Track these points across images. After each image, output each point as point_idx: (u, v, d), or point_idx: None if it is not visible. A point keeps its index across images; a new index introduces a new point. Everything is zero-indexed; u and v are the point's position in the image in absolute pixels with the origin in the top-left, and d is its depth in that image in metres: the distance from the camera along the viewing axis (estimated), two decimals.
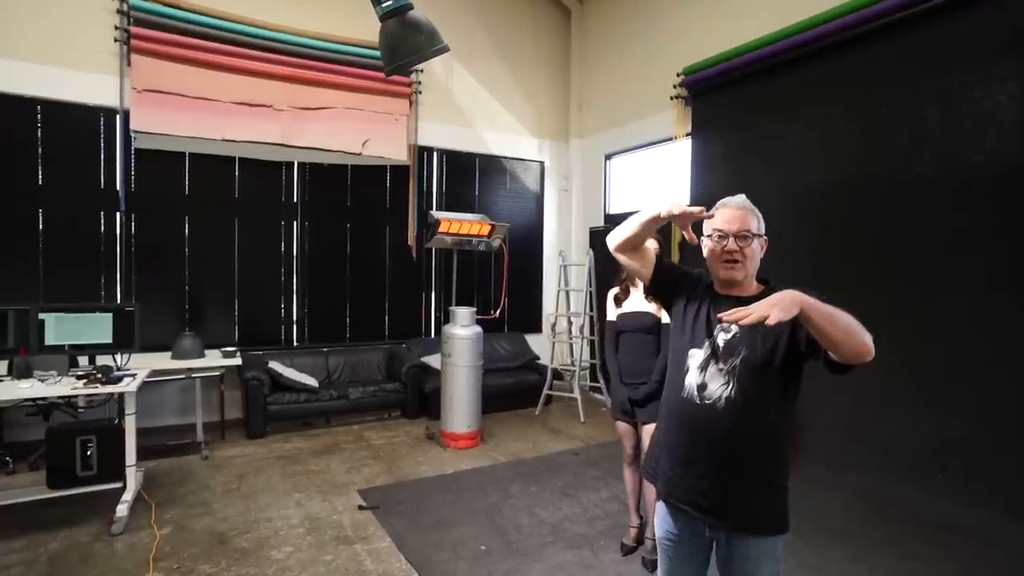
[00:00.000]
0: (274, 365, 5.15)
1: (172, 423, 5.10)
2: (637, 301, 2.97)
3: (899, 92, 3.84)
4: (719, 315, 1.35)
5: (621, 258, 1.76)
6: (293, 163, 5.75)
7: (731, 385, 1.54)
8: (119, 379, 3.21)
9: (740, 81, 4.89)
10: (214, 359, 4.81)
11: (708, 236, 1.64)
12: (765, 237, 1.63)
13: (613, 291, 3.08)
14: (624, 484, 3.20)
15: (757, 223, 1.62)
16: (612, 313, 3.06)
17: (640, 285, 2.97)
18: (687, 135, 5.51)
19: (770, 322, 1.25)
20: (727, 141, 5.07)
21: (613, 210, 6.82)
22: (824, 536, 3.22)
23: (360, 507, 3.56)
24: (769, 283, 1.68)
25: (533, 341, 6.81)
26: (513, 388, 6.04)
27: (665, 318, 2.89)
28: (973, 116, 3.51)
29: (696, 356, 1.63)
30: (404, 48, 1.98)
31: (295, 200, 5.80)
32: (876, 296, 3.92)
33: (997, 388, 3.39)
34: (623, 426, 3.04)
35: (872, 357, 1.35)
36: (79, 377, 3.25)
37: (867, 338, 1.35)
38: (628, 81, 6.41)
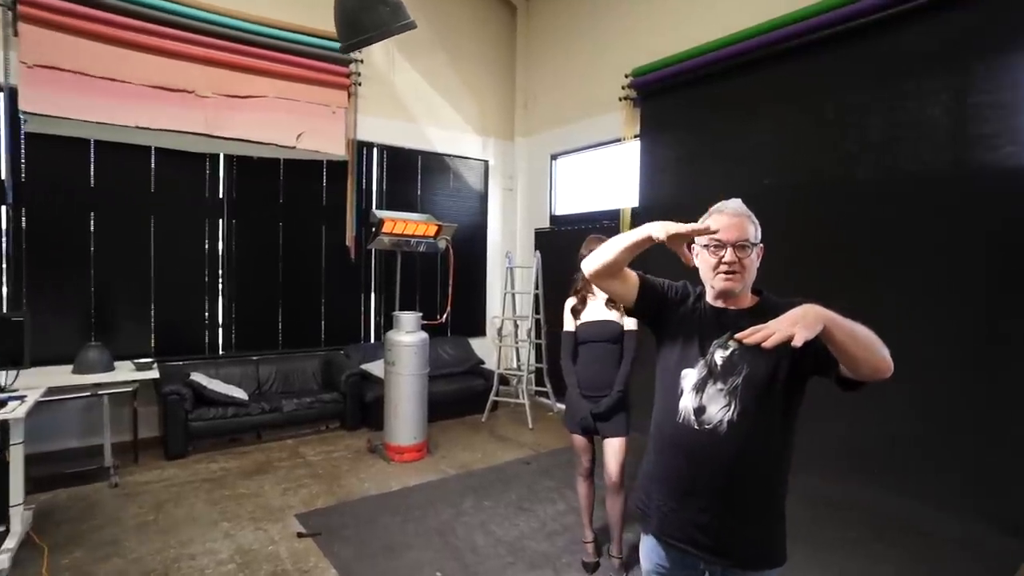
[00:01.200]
0: (197, 377, 4.66)
1: (74, 446, 4.51)
2: (597, 310, 2.84)
3: (846, 99, 3.93)
4: (737, 336, 1.22)
5: (600, 284, 1.58)
6: (219, 155, 5.25)
7: (733, 406, 1.41)
8: (2, 403, 2.73)
9: (692, 83, 4.89)
10: (125, 372, 4.30)
11: (704, 246, 1.50)
12: (762, 245, 1.52)
13: (570, 302, 2.93)
14: (580, 497, 3.04)
15: (755, 231, 1.49)
16: (570, 324, 2.91)
17: (599, 293, 2.84)
18: (636, 136, 5.49)
19: (796, 342, 1.13)
20: (678, 143, 5.07)
21: (559, 211, 6.73)
22: None
23: (299, 535, 3.23)
24: (763, 293, 1.57)
25: (477, 345, 6.61)
26: (458, 395, 5.81)
27: (628, 324, 2.78)
28: (912, 126, 3.63)
29: (690, 376, 1.49)
30: (365, 22, 1.72)
31: (221, 195, 5.30)
32: (826, 298, 3.99)
33: (930, 387, 3.52)
34: (579, 440, 2.90)
35: (891, 373, 1.27)
36: None
37: (886, 353, 1.26)
38: (575, 80, 6.33)
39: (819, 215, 4.07)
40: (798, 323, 1.16)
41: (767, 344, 1.15)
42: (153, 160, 4.91)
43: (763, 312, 1.46)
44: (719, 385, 1.44)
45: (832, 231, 4.01)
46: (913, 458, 3.57)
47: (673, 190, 5.08)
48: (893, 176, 3.72)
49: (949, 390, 3.46)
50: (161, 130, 4.70)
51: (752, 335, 1.18)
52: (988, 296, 3.32)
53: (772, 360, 1.40)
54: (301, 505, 3.66)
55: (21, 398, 2.84)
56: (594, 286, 2.83)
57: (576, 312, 2.90)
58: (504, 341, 6.35)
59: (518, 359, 6.39)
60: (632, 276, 1.59)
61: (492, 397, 5.81)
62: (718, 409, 1.43)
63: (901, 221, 3.68)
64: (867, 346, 1.24)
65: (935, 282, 3.54)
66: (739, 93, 4.59)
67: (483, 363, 6.32)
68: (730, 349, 1.44)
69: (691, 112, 4.96)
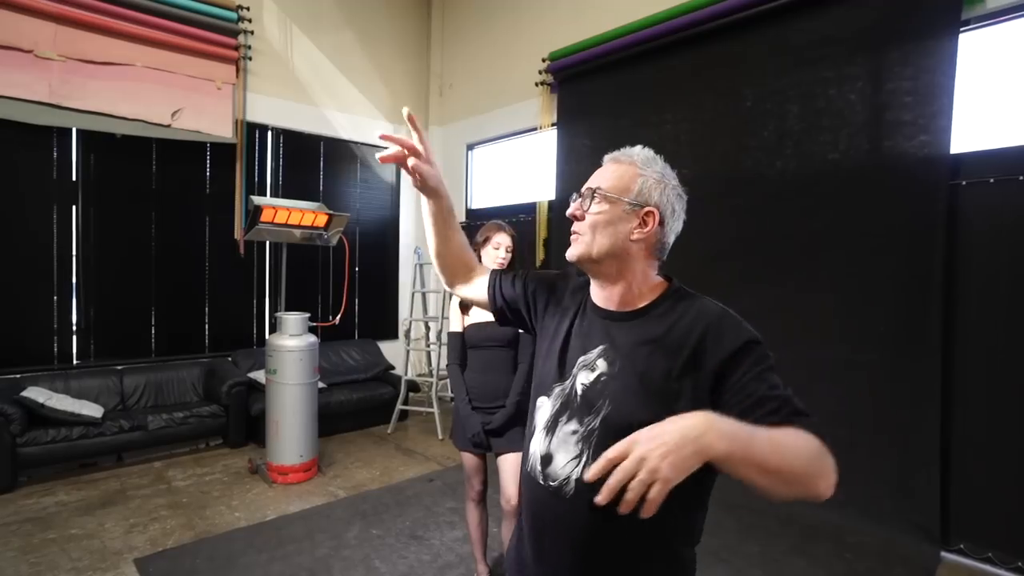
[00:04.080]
0: (31, 393, 3.90)
1: None
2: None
3: (764, 85, 3.73)
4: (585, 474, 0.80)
5: (448, 283, 1.26)
6: (70, 130, 4.47)
7: (584, 458, 0.97)
8: None
9: (607, 68, 4.61)
10: None
11: None
12: (651, 209, 1.01)
13: (456, 297, 2.51)
14: (469, 527, 2.60)
15: (627, 181, 1.02)
16: (456, 323, 2.49)
17: None
18: (552, 125, 5.16)
19: (645, 511, 0.72)
20: (594, 131, 4.78)
21: (475, 205, 6.32)
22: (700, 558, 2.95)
23: None
24: (673, 282, 1.08)
25: (388, 349, 6.08)
26: (363, 404, 5.27)
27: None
28: (829, 114, 3.47)
29: (544, 408, 1.05)
30: None
31: (74, 178, 4.51)
32: (743, 296, 3.77)
33: (855, 387, 3.36)
34: (471, 459, 2.48)
35: (828, 496, 0.87)
36: None
37: (824, 474, 0.86)
38: (492, 65, 5.94)
39: (738, 206, 3.86)
40: (667, 456, 0.72)
41: (599, 500, 0.74)
42: None
43: (655, 318, 1.00)
44: (573, 425, 1.00)
45: (751, 224, 3.81)
46: (837, 462, 3.37)
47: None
48: (811, 166, 3.54)
49: (872, 390, 3.30)
50: None
51: (592, 472, 0.76)
52: (907, 293, 3.18)
53: (651, 397, 0.94)
54: (148, 545, 3.04)
55: None
56: None
57: (465, 307, 2.48)
58: (414, 344, 5.85)
59: (429, 363, 5.91)
60: (475, 267, 1.20)
61: (399, 406, 5.30)
62: (567, 461, 0.99)
63: (820, 214, 3.50)
64: (789, 479, 0.82)
65: (856, 278, 3.37)
66: (656, 78, 4.34)
67: (393, 368, 5.81)
68: (597, 371, 1.00)
69: (607, 98, 4.67)
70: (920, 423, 3.10)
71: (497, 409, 2.37)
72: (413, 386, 5.57)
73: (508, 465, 2.36)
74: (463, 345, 2.44)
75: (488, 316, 2.35)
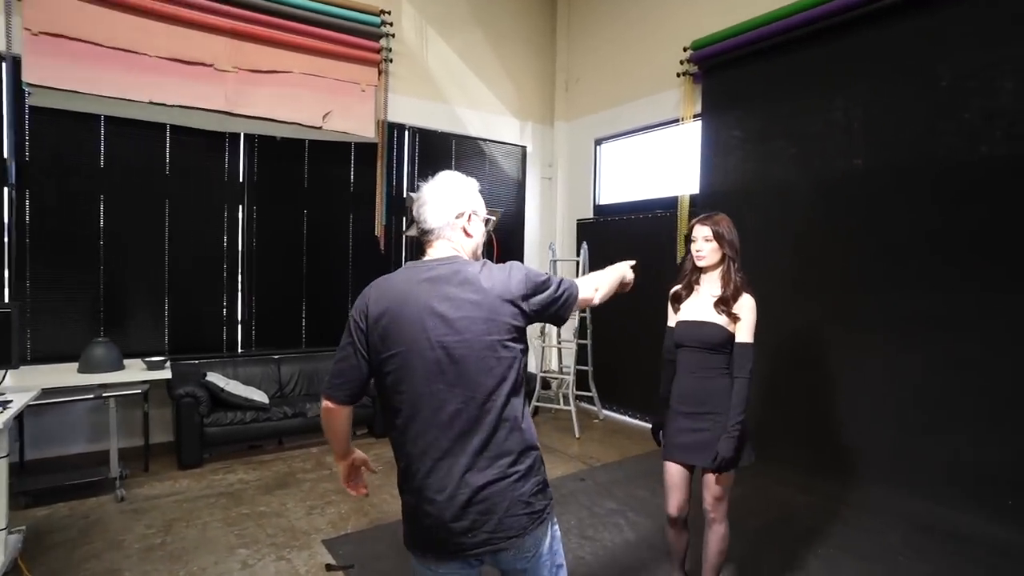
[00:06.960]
0: (212, 378, 4.23)
1: (82, 451, 4.11)
2: (700, 307, 2.24)
3: (963, 61, 3.34)
4: None
5: None
6: (239, 135, 4.82)
7: None
8: None
9: (763, 53, 4.32)
10: (135, 372, 3.86)
11: None
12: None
13: (675, 288, 2.38)
14: (669, 543, 2.42)
15: None
16: (670, 317, 2.37)
17: (708, 284, 2.28)
18: (695, 116, 4.93)
19: None
20: (746, 121, 4.51)
21: (603, 200, 6.20)
22: None
23: (328, 567, 2.76)
24: None
25: None
26: None
27: (740, 335, 2.19)
28: None
29: None
30: None
31: (241, 179, 4.86)
32: (933, 298, 3.42)
33: None
34: (673, 471, 2.26)
35: None
36: None
37: None
38: (624, 57, 5.78)
39: (924, 198, 3.49)
40: None
41: None
42: (168, 140, 4.49)
43: None
44: None
45: (939, 217, 3.43)
46: None
47: (740, 174, 4.52)
48: None
49: None
50: (177, 106, 4.28)
51: None
52: None
53: None
54: (329, 528, 3.19)
55: (4, 403, 2.39)
56: (705, 275, 2.30)
57: (677, 300, 2.34)
58: (545, 341, 5.83)
59: (560, 361, 5.86)
60: None
61: (532, 403, 5.29)
62: None
63: None
64: None
65: None
66: (822, 61, 4.01)
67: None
68: None
69: (762, 86, 4.39)
70: None
71: (700, 415, 2.21)
72: (544, 383, 5.54)
73: (712, 479, 2.21)
74: (674, 343, 2.32)
75: (698, 315, 2.23)
